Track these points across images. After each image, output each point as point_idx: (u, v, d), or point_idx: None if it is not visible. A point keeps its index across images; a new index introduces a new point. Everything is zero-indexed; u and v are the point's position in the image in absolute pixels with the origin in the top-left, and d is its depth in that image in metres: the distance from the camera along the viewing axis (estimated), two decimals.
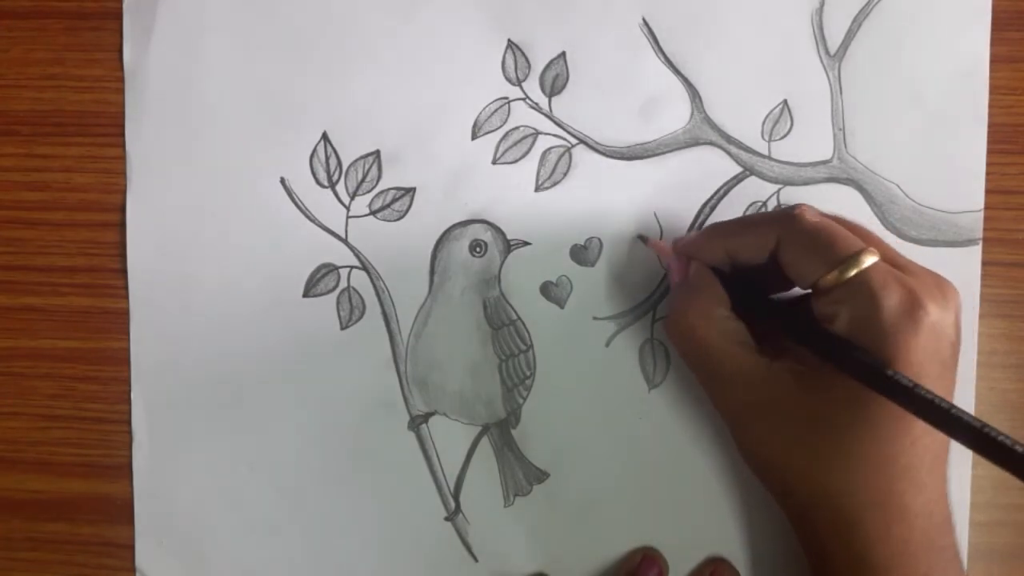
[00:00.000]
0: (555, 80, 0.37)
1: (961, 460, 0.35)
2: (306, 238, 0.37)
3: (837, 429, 0.28)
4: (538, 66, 0.37)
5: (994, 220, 0.36)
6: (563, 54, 0.37)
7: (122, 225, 0.37)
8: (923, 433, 0.27)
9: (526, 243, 0.37)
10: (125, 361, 0.37)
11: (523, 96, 0.37)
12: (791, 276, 0.29)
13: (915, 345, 0.26)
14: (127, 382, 0.37)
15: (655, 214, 0.36)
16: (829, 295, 0.28)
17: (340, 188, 0.37)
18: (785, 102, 0.36)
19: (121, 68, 0.37)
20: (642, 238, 0.36)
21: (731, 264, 0.31)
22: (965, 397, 0.36)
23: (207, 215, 0.37)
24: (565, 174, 0.37)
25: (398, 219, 0.37)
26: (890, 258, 0.29)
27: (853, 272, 0.27)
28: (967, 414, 0.24)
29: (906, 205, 0.36)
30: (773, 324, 0.31)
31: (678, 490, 0.36)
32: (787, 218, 0.30)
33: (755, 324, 0.31)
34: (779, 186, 0.36)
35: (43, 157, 0.38)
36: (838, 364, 0.28)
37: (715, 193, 0.36)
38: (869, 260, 0.28)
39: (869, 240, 0.29)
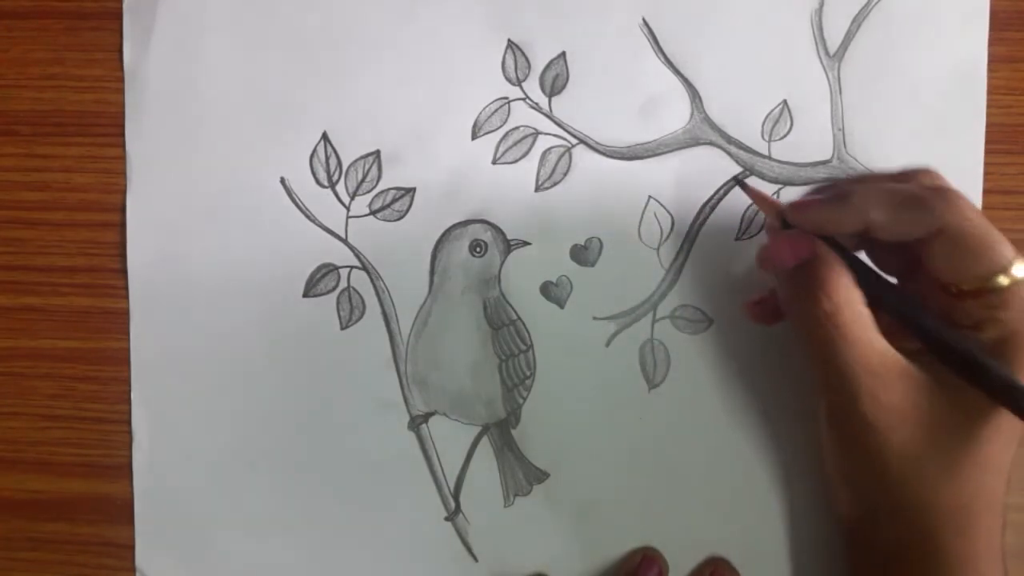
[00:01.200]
0: (555, 80, 0.37)
1: None
2: (306, 238, 0.37)
3: (971, 438, 0.27)
4: (538, 66, 0.37)
5: (993, 220, 0.35)
6: (563, 54, 0.37)
7: (122, 225, 0.37)
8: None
9: (526, 243, 0.37)
10: (125, 361, 0.37)
11: (523, 96, 0.37)
12: (937, 270, 0.27)
13: None
14: (127, 382, 0.37)
15: (655, 214, 0.36)
16: (978, 299, 0.27)
17: (340, 188, 0.37)
18: (785, 102, 0.36)
19: (121, 68, 0.37)
20: (741, 184, 0.33)
21: (861, 239, 0.29)
22: None
23: (207, 215, 0.37)
24: (565, 174, 0.37)
25: (398, 219, 0.37)
26: None
27: (1011, 280, 0.26)
28: None
29: None
30: (906, 326, 0.28)
31: (678, 490, 0.36)
32: (953, 203, 0.27)
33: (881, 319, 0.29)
34: (779, 186, 0.36)
35: (43, 157, 0.38)
36: (980, 383, 0.26)
37: (715, 193, 0.36)
38: None
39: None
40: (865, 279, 0.28)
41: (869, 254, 0.30)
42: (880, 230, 0.28)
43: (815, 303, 0.28)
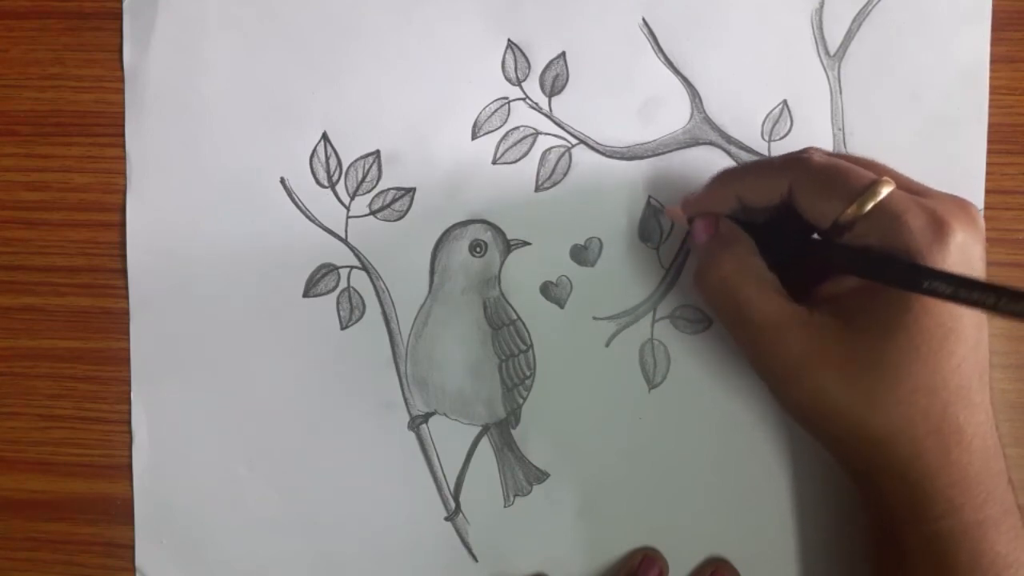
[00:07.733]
0: (555, 80, 0.37)
1: None
2: (306, 238, 0.37)
3: (887, 365, 0.28)
4: (538, 66, 0.37)
5: (994, 220, 0.36)
6: (563, 54, 0.37)
7: (122, 225, 0.37)
8: (967, 353, 0.27)
9: (526, 243, 0.37)
10: (125, 361, 0.37)
11: (523, 96, 0.37)
12: (810, 218, 0.29)
13: (947, 265, 0.26)
14: (127, 382, 0.37)
15: (655, 214, 0.36)
16: (852, 230, 0.28)
17: (340, 188, 0.37)
18: (785, 102, 0.36)
19: (121, 68, 0.37)
20: (659, 209, 0.36)
21: (743, 211, 0.31)
22: None
23: (207, 215, 0.37)
24: (565, 174, 0.37)
25: (398, 219, 0.37)
26: (906, 185, 0.29)
27: (872, 203, 0.27)
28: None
29: None
30: (819, 255, 0.30)
31: (678, 490, 0.36)
32: (797, 160, 0.30)
33: (789, 274, 0.31)
34: None
35: (43, 157, 0.38)
36: (895, 280, 0.27)
37: None
38: (886, 189, 0.28)
39: (882, 171, 0.29)
40: (779, 243, 0.31)
41: (796, 220, 0.31)
42: (749, 198, 0.31)
43: (708, 271, 0.31)
